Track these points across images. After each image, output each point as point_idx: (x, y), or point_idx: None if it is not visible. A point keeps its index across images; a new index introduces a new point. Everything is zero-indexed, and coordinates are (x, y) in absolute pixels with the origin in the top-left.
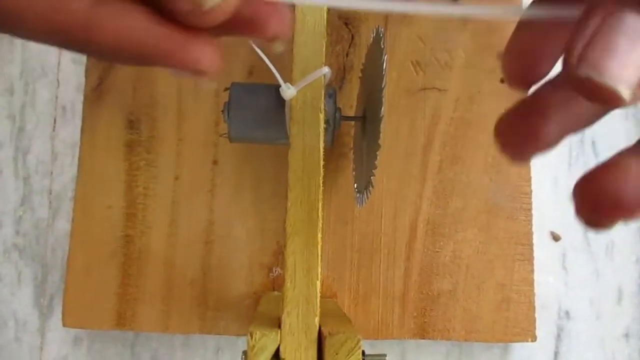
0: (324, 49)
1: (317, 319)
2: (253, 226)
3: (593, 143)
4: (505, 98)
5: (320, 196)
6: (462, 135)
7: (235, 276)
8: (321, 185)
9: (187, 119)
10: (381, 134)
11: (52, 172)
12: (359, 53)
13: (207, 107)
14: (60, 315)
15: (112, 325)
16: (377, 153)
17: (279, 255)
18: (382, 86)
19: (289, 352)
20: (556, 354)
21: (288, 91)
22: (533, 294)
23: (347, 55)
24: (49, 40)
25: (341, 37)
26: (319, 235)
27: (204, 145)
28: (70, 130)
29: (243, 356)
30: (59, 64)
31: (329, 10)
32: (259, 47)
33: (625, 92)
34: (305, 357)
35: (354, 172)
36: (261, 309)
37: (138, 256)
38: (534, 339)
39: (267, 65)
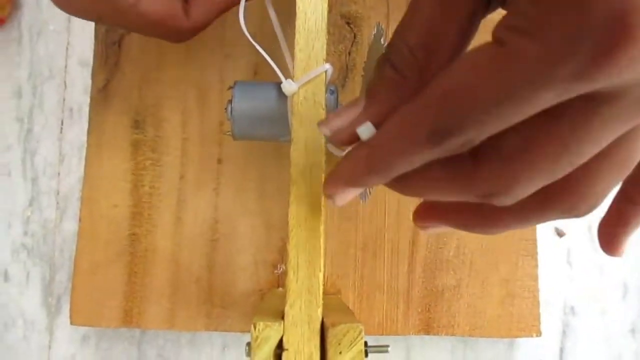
0: (325, 45)
1: (319, 310)
2: (258, 223)
3: None
4: None
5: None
6: None
7: (241, 273)
8: (323, 179)
9: (191, 118)
10: None
11: (59, 173)
12: (362, 52)
13: (211, 107)
14: (68, 314)
15: (119, 323)
16: None
17: (284, 252)
18: None
19: (292, 342)
20: (562, 350)
21: (290, 87)
22: (537, 289)
23: (349, 54)
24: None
25: (343, 37)
26: (322, 228)
27: (209, 144)
28: (77, 132)
29: (247, 348)
30: (66, 66)
31: (330, 9)
32: (260, 46)
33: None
34: (309, 347)
35: None
36: (265, 302)
37: (144, 254)
38: (538, 334)
39: (271, 66)
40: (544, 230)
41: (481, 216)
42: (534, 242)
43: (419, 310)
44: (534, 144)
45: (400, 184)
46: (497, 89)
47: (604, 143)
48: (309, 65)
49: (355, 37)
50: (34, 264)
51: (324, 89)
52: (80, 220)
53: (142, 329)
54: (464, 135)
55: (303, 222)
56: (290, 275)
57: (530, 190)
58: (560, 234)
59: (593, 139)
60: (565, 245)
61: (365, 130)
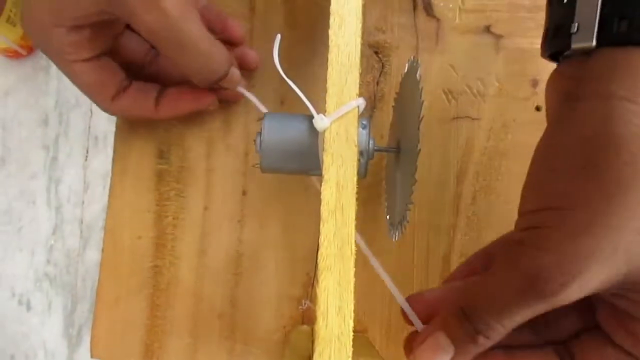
0: (358, 80)
1: None
2: (282, 257)
3: None
4: (540, 127)
5: (354, 231)
6: (496, 165)
7: (264, 309)
8: (354, 219)
9: (216, 149)
10: (417, 168)
11: (83, 202)
12: (390, 82)
13: (236, 138)
14: (88, 346)
15: (139, 357)
16: (413, 188)
17: (309, 287)
18: (419, 120)
19: None
20: None
21: (321, 122)
22: None
23: (377, 84)
24: None
25: (372, 66)
26: (352, 271)
27: (234, 175)
28: (102, 160)
29: None
30: None
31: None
32: (290, 79)
33: None
34: None
35: (386, 203)
36: (291, 344)
37: (166, 287)
38: None
39: (298, 95)
40: None
41: None
42: None
43: None
44: None
45: None
46: None
47: None
48: (341, 100)
49: (383, 67)
50: (56, 293)
51: (356, 124)
52: (102, 251)
53: None
54: None
55: (333, 265)
56: (320, 321)
57: None
58: None
59: None
60: None
61: None
